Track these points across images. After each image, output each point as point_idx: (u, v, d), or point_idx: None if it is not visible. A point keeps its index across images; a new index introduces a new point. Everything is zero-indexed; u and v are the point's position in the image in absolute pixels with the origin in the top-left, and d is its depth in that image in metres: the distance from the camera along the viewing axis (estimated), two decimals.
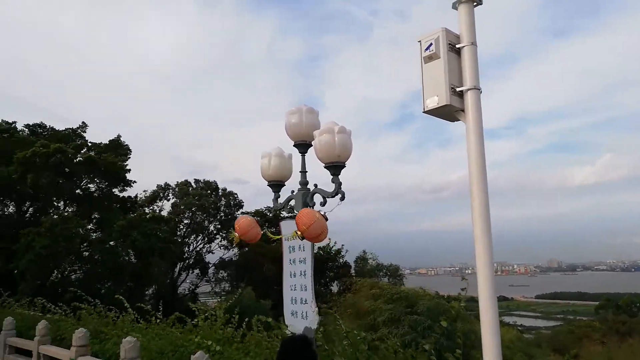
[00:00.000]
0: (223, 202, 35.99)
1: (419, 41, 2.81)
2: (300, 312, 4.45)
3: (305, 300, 4.39)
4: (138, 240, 22.13)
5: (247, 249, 33.61)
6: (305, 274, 4.45)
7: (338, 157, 4.09)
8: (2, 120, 23.67)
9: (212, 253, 35.90)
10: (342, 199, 4.11)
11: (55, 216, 21.33)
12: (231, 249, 35.80)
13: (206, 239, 35.38)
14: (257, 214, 35.81)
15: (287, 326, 4.59)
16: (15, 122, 24.07)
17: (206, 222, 35.09)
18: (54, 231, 19.21)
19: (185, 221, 34.46)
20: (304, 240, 4.40)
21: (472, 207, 2.60)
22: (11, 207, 23.73)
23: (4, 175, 20.60)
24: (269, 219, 35.36)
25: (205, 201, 34.06)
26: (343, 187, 4.19)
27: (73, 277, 23.01)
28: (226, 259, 35.90)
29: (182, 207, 34.14)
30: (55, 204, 24.16)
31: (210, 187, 36.04)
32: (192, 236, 34.84)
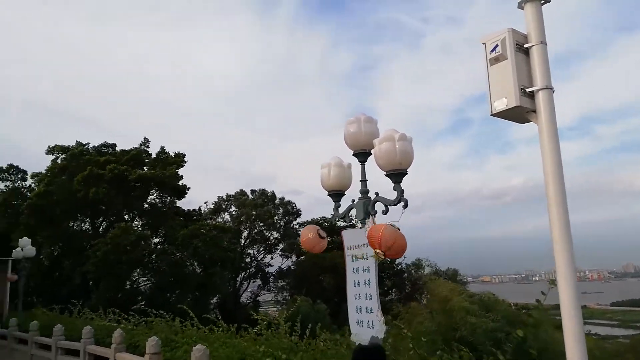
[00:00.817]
0: (281, 211, 36.51)
1: (483, 43, 2.75)
2: (366, 321, 4.42)
3: (371, 309, 4.35)
4: (200, 249, 23.01)
5: (303, 257, 33.95)
6: (369, 283, 4.42)
7: (399, 164, 4.05)
8: (76, 141, 25.58)
9: (271, 265, 36.45)
10: (405, 206, 4.06)
11: (120, 224, 22.75)
12: (289, 259, 36.27)
13: (266, 249, 36.02)
14: (313, 223, 36.05)
15: (353, 335, 4.56)
16: (88, 143, 25.89)
17: (266, 231, 35.73)
18: (116, 240, 20.78)
19: (246, 231, 35.28)
20: (367, 247, 4.40)
21: (549, 210, 2.51)
22: (87, 223, 25.50)
23: (75, 194, 22.28)
24: (324, 229, 35.31)
25: (262, 210, 34.76)
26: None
27: (143, 287, 24.27)
28: (284, 269, 36.39)
29: (241, 218, 35.05)
30: (125, 217, 25.67)
31: (265, 196, 36.66)
32: (254, 246, 35.60)
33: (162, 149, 27.02)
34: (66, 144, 25.77)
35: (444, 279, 35.97)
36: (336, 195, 4.98)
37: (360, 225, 4.61)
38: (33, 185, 25.24)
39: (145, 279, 24.21)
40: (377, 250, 3.58)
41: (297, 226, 37.14)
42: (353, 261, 4.69)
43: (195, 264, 24.48)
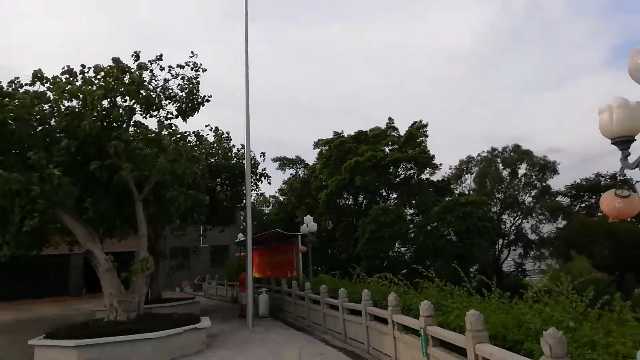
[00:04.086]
0: (535, 170, 33.13)
1: None
2: None
3: None
4: (453, 223, 23.47)
5: (566, 222, 30.31)
6: None
7: None
8: (334, 132, 30.01)
9: (525, 231, 33.69)
10: None
11: (379, 206, 25.37)
12: (551, 223, 32.91)
13: (522, 213, 33.41)
14: (575, 189, 31.83)
15: None
16: (342, 132, 29.84)
17: (520, 195, 33.12)
18: (378, 220, 23.52)
19: (498, 195, 33.41)
20: None
21: None
22: (350, 199, 29.21)
23: (342, 179, 25.79)
24: (590, 188, 30.95)
25: (510, 171, 32.37)
26: None
27: (404, 257, 26.14)
28: (545, 235, 33.14)
29: (487, 182, 33.34)
30: (382, 192, 28.42)
31: (518, 152, 33.60)
32: (509, 211, 33.46)
33: (409, 131, 28.49)
34: (324, 137, 30.63)
35: None
36: (623, 142, 4.21)
37: None
38: (307, 173, 30.70)
39: (405, 248, 25.99)
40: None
41: (556, 187, 33.21)
42: None
43: (451, 234, 24.81)
